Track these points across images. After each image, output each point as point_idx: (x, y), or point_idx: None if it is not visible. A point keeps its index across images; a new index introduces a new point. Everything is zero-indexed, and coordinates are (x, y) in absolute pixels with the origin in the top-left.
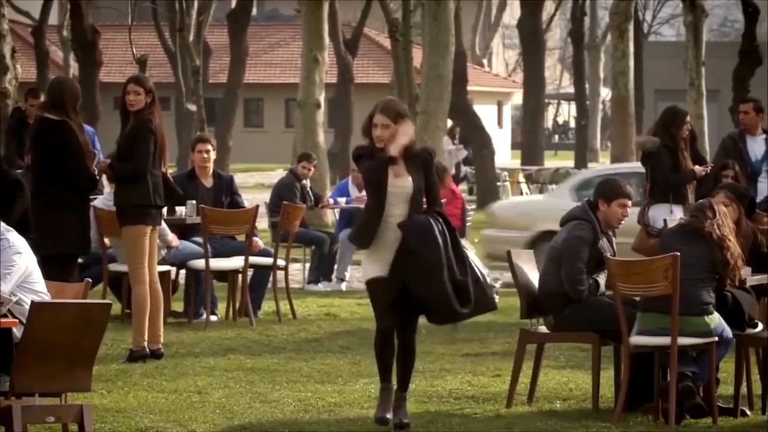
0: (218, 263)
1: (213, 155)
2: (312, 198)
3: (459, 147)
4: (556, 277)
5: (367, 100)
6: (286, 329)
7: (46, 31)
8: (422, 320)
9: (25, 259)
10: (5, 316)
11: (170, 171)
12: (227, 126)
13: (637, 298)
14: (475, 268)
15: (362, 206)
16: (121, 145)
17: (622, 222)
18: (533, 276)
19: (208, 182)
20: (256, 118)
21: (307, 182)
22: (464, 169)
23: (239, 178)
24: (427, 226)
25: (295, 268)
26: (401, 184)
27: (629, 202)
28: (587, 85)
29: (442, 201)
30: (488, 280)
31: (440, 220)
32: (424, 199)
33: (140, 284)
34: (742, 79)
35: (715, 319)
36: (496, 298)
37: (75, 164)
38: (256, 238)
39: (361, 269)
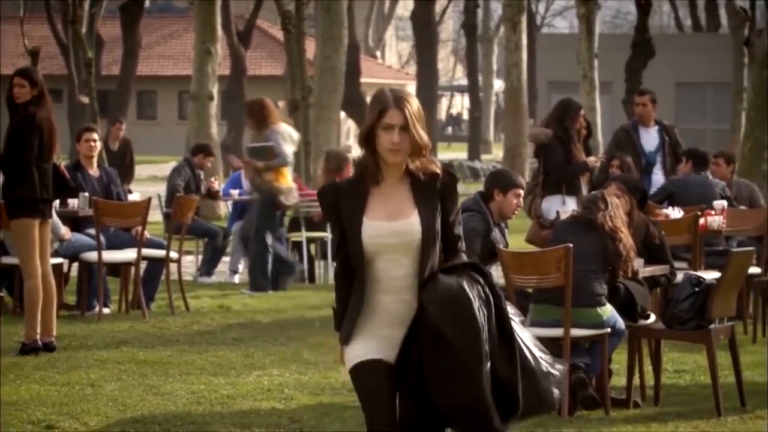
0: (111, 255)
1: (99, 145)
2: (205, 187)
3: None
4: None
5: (260, 93)
6: (179, 322)
7: None
8: (317, 312)
9: None
10: None
11: (63, 163)
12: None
13: (530, 290)
14: (526, 349)
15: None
16: (6, 139)
17: (516, 212)
18: None
19: (95, 172)
20: (149, 110)
21: (201, 172)
22: None
23: None
24: (463, 298)
25: (188, 260)
26: (402, 227)
27: (522, 192)
28: (480, 77)
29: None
30: (544, 365)
31: (478, 279)
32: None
33: (32, 278)
34: (634, 70)
35: (608, 311)
36: (556, 392)
37: None
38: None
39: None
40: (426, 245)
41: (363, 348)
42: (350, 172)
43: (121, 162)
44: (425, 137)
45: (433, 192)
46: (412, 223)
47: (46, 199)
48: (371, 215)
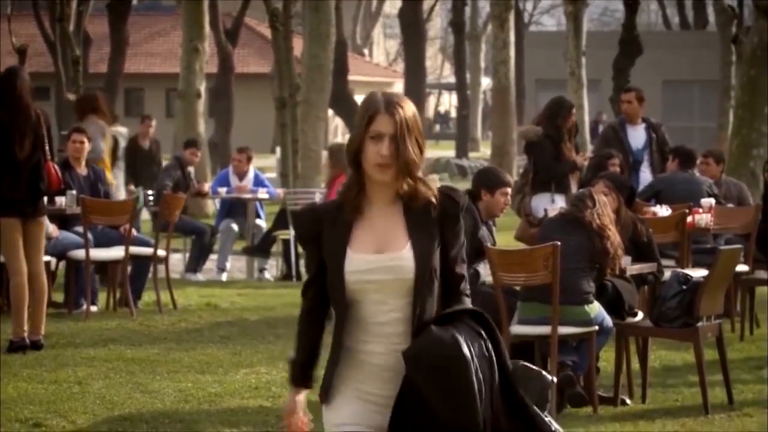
0: (98, 253)
1: (87, 146)
2: (195, 185)
3: None
4: None
5: (247, 90)
6: (167, 319)
7: None
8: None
9: None
10: None
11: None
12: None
13: (518, 288)
14: (531, 414)
15: (244, 196)
16: None
17: (504, 211)
18: None
19: (82, 171)
20: (136, 107)
21: (191, 169)
22: None
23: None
24: (456, 360)
25: (175, 258)
26: (391, 261)
27: (510, 191)
28: (468, 75)
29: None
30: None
31: (480, 333)
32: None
33: (15, 275)
34: (622, 68)
35: (596, 308)
36: None
37: None
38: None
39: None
40: (420, 284)
41: (347, 411)
42: None
43: (152, 161)
44: (416, 152)
45: (430, 219)
46: (403, 257)
47: (23, 198)
48: (356, 246)
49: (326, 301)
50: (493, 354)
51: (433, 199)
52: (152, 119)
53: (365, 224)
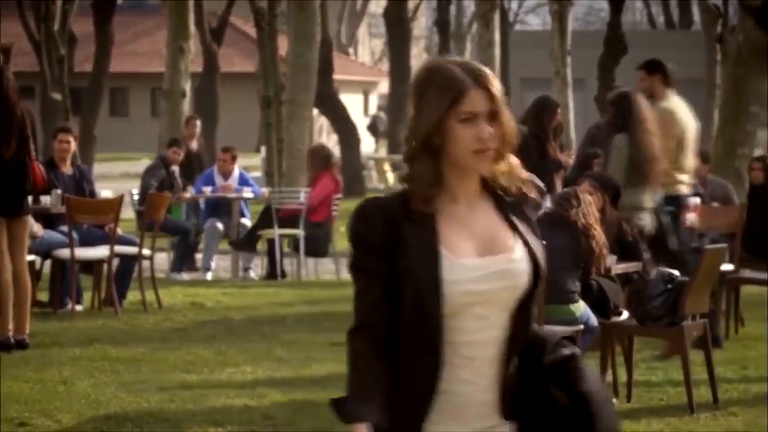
0: (84, 252)
1: (73, 146)
2: (180, 185)
3: None
4: None
5: (232, 89)
6: (152, 319)
7: None
8: (290, 309)
9: None
10: None
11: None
12: (93, 115)
13: None
14: None
15: (228, 195)
16: None
17: None
18: None
19: (68, 170)
20: (121, 107)
21: (176, 169)
22: None
23: (105, 168)
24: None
25: (160, 257)
26: (504, 265)
27: None
28: None
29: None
30: None
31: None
32: None
33: (1, 274)
34: (607, 68)
35: (581, 308)
36: None
37: None
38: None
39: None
40: (530, 294)
41: None
42: (338, 169)
43: (200, 164)
44: (513, 128)
45: (525, 212)
46: (516, 259)
47: (8, 198)
48: (453, 248)
49: (391, 328)
50: None
51: (526, 187)
52: (197, 119)
53: (453, 222)
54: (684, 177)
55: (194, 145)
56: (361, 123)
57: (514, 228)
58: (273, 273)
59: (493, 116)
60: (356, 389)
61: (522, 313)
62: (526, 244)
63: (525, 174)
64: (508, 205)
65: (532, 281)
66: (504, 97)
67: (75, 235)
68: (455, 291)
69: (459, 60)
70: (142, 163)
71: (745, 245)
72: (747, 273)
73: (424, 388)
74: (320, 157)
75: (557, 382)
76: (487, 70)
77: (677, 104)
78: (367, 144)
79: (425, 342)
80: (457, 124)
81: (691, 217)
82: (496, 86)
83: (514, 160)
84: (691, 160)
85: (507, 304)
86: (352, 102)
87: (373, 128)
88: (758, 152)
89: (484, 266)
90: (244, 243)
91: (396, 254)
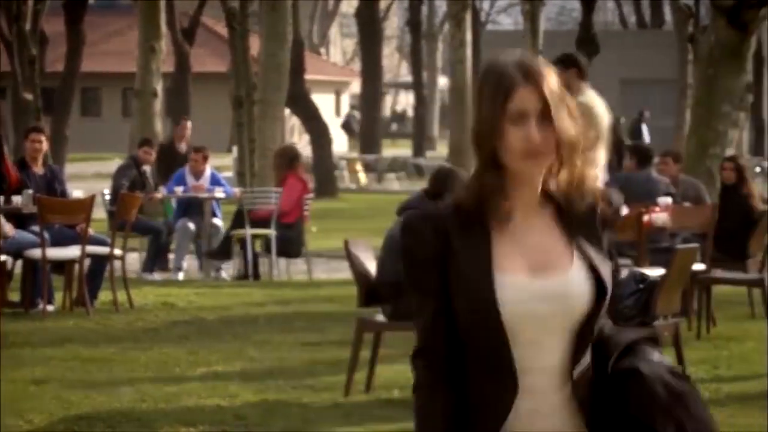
0: (55, 252)
1: (45, 145)
2: (152, 184)
3: None
4: (394, 266)
5: (204, 89)
6: (124, 319)
7: None
8: (262, 309)
9: None
10: None
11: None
12: (64, 115)
13: None
14: None
15: (200, 195)
16: None
17: None
18: (371, 265)
19: (39, 170)
20: (93, 107)
21: (147, 168)
22: None
23: (77, 168)
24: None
25: (132, 257)
26: (558, 287)
27: None
28: (425, 74)
29: None
30: None
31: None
32: None
33: None
34: None
35: None
36: None
37: None
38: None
39: None
40: (592, 318)
41: None
42: (303, 169)
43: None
44: (575, 130)
45: (594, 226)
46: (571, 280)
47: None
48: (505, 267)
49: (452, 345)
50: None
51: (596, 200)
52: (188, 120)
53: (507, 236)
54: (597, 171)
55: (183, 146)
56: (333, 123)
57: (575, 245)
58: (245, 273)
59: (545, 116)
60: (422, 428)
61: (583, 339)
62: (588, 262)
63: (597, 185)
64: (573, 219)
65: (593, 304)
66: (564, 96)
67: (46, 235)
68: (508, 311)
69: (517, 55)
70: (114, 163)
71: (716, 245)
72: (719, 273)
73: (488, 422)
74: (285, 158)
75: (617, 397)
76: (543, 66)
77: (593, 98)
78: (340, 144)
79: (489, 366)
80: (508, 126)
81: (662, 217)
82: (550, 84)
83: (585, 170)
84: (604, 154)
85: (563, 327)
86: (324, 102)
87: (347, 126)
88: (730, 152)
89: (538, 286)
90: (219, 252)
91: (448, 266)
